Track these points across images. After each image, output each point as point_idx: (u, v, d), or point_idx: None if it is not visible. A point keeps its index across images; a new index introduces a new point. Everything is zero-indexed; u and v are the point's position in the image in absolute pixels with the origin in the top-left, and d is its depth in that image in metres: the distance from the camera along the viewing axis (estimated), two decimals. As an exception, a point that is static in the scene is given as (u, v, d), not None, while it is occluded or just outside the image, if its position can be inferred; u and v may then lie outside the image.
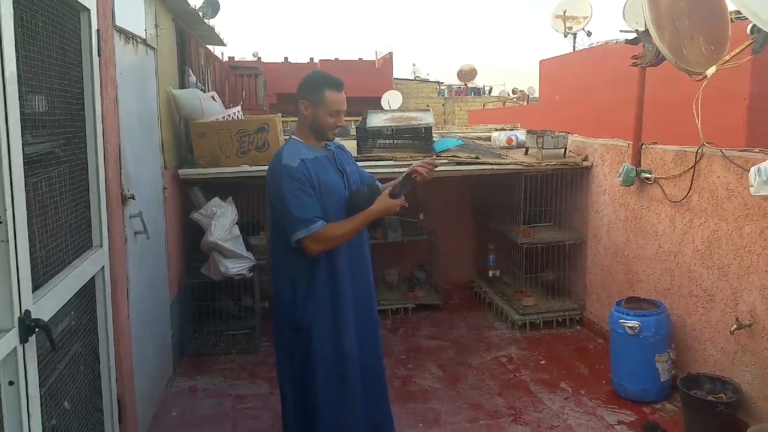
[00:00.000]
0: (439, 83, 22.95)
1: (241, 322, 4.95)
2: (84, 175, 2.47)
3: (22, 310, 1.73)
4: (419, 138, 5.27)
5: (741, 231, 3.45)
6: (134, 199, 3.10)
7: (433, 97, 22.01)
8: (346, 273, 2.82)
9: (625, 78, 4.96)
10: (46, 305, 1.93)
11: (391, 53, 20.52)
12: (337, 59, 20.24)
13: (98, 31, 2.56)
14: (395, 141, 5.31)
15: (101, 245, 2.58)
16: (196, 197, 4.60)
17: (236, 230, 4.55)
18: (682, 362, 3.92)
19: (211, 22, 5.87)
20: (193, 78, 5.11)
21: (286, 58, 19.81)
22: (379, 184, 3.03)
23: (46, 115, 2.12)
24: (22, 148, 1.77)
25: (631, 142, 4.36)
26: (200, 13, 5.37)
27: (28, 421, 1.74)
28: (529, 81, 20.00)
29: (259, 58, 19.42)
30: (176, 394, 4.04)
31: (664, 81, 4.45)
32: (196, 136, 4.46)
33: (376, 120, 5.31)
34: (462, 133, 6.93)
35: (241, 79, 9.55)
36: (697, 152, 3.76)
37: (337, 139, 5.87)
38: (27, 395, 1.74)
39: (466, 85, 22.74)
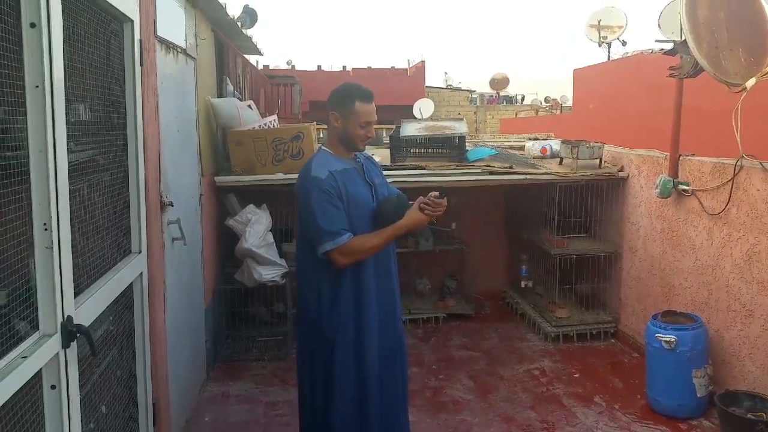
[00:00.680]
0: (470, 92, 22.89)
1: (272, 329, 4.99)
2: (124, 182, 2.51)
3: (65, 316, 1.77)
4: (452, 147, 5.26)
5: (782, 245, 3.39)
6: (173, 206, 3.16)
7: (464, 106, 21.96)
8: (372, 285, 2.81)
9: (660, 88, 4.91)
10: (87, 311, 1.97)
11: (423, 62, 20.54)
12: (369, 67, 20.34)
13: (141, 41, 2.61)
14: (428, 150, 5.31)
15: (140, 251, 2.63)
16: (231, 204, 4.66)
17: (270, 237, 4.59)
18: (720, 378, 3.85)
19: (249, 32, 5.94)
20: (230, 87, 5.18)
21: (319, 66, 19.95)
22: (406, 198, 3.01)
23: (88, 123, 2.17)
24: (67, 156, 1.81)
25: (669, 154, 4.30)
26: (239, 24, 5.44)
27: (69, 424, 1.78)
28: (561, 90, 19.85)
29: (293, 66, 19.57)
30: (209, 399, 4.09)
31: (702, 91, 4.39)
32: (233, 144, 4.53)
33: (409, 129, 5.32)
34: (495, 142, 6.92)
35: (277, 88, 9.65)
36: (735, 164, 3.70)
37: (370, 148, 5.92)
38: (68, 399, 1.78)
39: (498, 93, 22.64)
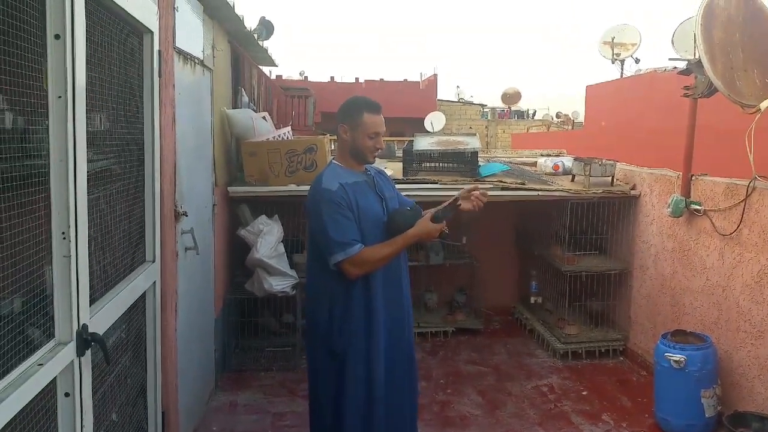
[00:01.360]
0: (482, 106, 22.93)
1: (281, 339, 5.00)
2: (140, 191, 2.54)
3: (80, 324, 1.79)
4: (465, 162, 5.27)
5: (795, 268, 3.37)
6: (187, 215, 3.18)
7: (476, 119, 21.99)
8: (381, 299, 2.81)
9: (673, 106, 4.89)
10: (102, 319, 1.99)
11: (435, 75, 20.61)
12: (382, 80, 20.41)
13: (160, 52, 2.65)
14: (441, 164, 5.33)
15: (154, 260, 2.65)
16: (243, 214, 4.69)
17: (281, 248, 4.61)
18: (729, 399, 3.82)
19: (264, 43, 5.99)
20: (245, 98, 5.23)
21: (332, 78, 20.05)
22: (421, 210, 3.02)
23: (106, 132, 2.20)
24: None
25: (681, 173, 4.30)
26: (255, 35, 5.49)
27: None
28: (572, 105, 19.86)
29: (306, 78, 19.68)
30: (217, 408, 4.09)
31: (715, 111, 4.38)
32: (247, 154, 4.56)
33: (422, 143, 5.34)
34: (507, 157, 6.93)
35: (291, 100, 9.71)
36: (748, 185, 3.69)
37: (382, 161, 5.95)
38: (81, 407, 1.79)
39: (509, 108, 22.67)
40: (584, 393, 4.43)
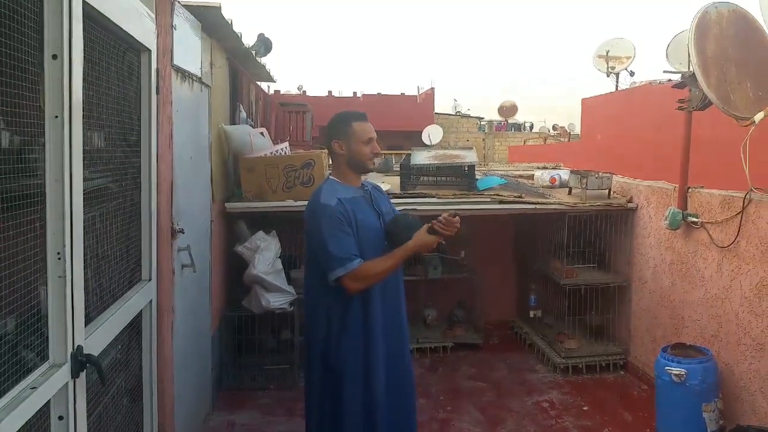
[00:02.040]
0: (479, 118, 23.02)
1: (279, 357, 4.96)
2: (136, 209, 2.53)
3: (75, 346, 1.77)
4: (463, 176, 5.28)
5: (794, 280, 3.37)
6: (183, 232, 3.17)
7: (473, 132, 22.08)
8: (380, 315, 2.80)
9: (668, 119, 4.92)
10: (97, 340, 1.97)
11: (432, 88, 20.71)
12: (379, 93, 20.50)
13: (157, 70, 2.65)
14: (439, 178, 5.33)
15: (150, 279, 2.64)
16: (241, 230, 4.67)
17: (279, 264, 4.59)
18: (730, 413, 3.80)
19: (263, 59, 6.01)
20: (243, 114, 5.24)
21: (330, 92, 20.13)
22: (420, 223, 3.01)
23: (103, 150, 2.20)
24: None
25: (678, 185, 4.30)
26: (253, 52, 5.50)
27: (75, 455, 1.77)
28: (569, 117, 19.94)
29: (304, 92, 19.76)
30: (214, 429, 4.06)
31: (710, 123, 4.40)
32: (245, 170, 4.56)
33: (419, 157, 5.35)
34: (504, 171, 6.93)
35: (289, 115, 9.73)
36: (744, 197, 3.70)
37: (380, 175, 5.95)
38: (75, 430, 1.77)
39: (506, 120, 22.75)
40: (585, 408, 4.40)
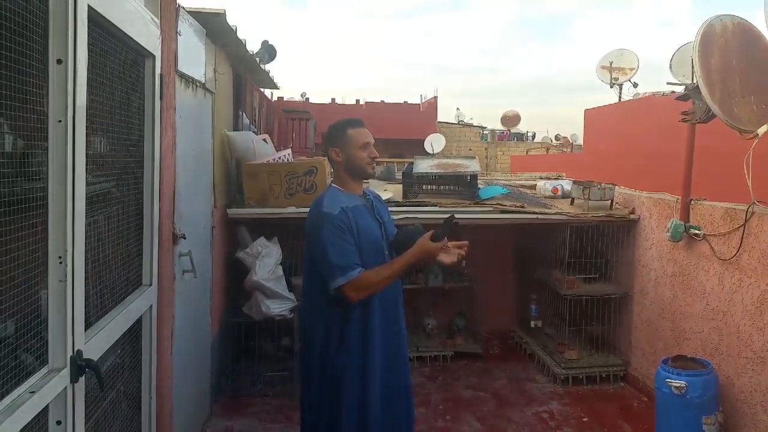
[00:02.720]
0: (482, 128, 23.04)
1: (278, 363, 4.94)
2: (138, 214, 2.53)
3: (74, 350, 1.77)
4: (465, 185, 5.28)
5: (796, 294, 3.35)
6: (185, 238, 3.17)
7: (476, 142, 22.09)
8: (377, 323, 2.79)
9: (671, 130, 4.92)
10: (97, 344, 1.97)
11: (435, 97, 20.73)
12: (382, 101, 20.52)
13: (161, 75, 2.66)
14: (441, 187, 5.33)
15: (151, 284, 2.63)
16: (242, 236, 4.67)
17: (279, 270, 4.59)
18: (731, 426, 3.78)
19: (266, 66, 6.03)
20: (246, 121, 5.25)
21: (333, 99, 20.16)
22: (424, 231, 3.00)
23: (106, 155, 2.20)
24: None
25: (680, 197, 4.30)
26: (257, 59, 5.52)
27: (73, 461, 1.77)
28: (571, 127, 19.96)
29: (307, 99, 19.78)
30: (213, 434, 4.05)
31: (713, 135, 4.40)
32: (247, 176, 4.56)
33: (422, 166, 5.35)
34: (506, 180, 6.94)
35: (292, 122, 9.75)
36: (747, 210, 3.69)
37: (382, 183, 5.95)
38: (73, 434, 1.77)
39: (509, 130, 22.77)
40: (585, 419, 4.39)
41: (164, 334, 2.86)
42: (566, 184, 5.68)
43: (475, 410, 4.51)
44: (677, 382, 3.69)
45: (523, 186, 6.30)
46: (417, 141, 17.52)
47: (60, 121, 1.66)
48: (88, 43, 1.81)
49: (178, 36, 3.02)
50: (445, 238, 2.78)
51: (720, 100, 3.58)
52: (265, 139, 4.97)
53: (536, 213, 4.95)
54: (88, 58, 1.83)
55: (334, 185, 2.90)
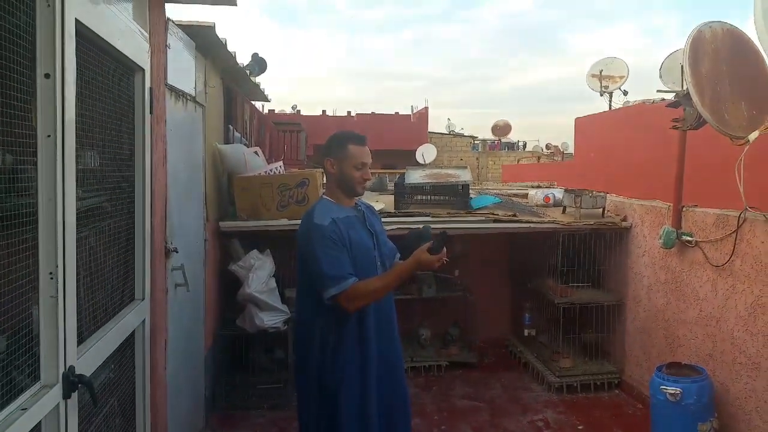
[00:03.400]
0: (473, 138, 23.13)
1: (272, 375, 4.92)
2: (130, 229, 2.52)
3: (67, 366, 1.75)
4: (457, 195, 5.29)
5: (788, 299, 3.36)
6: (177, 252, 3.15)
7: (467, 151, 22.17)
8: (373, 334, 2.78)
9: (662, 138, 4.93)
10: (89, 360, 1.95)
11: (426, 108, 20.81)
12: (373, 113, 20.58)
13: (151, 89, 2.65)
14: (433, 197, 5.34)
15: (143, 298, 2.62)
16: (235, 249, 4.65)
17: (273, 283, 4.57)
18: (727, 432, 3.78)
19: (257, 79, 6.03)
20: (238, 134, 5.24)
21: (324, 111, 20.19)
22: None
23: (96, 170, 2.18)
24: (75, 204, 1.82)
25: (672, 204, 4.31)
26: (247, 71, 5.52)
27: (66, 477, 1.74)
28: (562, 136, 20.05)
29: (299, 111, 19.82)
30: (207, 448, 4.01)
31: (704, 142, 4.42)
32: (239, 189, 4.55)
33: (414, 176, 5.36)
34: (498, 190, 6.95)
35: (283, 135, 9.76)
36: (739, 216, 3.71)
37: (374, 194, 5.95)
38: (67, 452, 1.75)
39: (500, 139, 22.86)
40: (580, 427, 4.37)
41: (158, 348, 2.84)
42: (558, 193, 5.70)
43: (470, 420, 4.50)
44: (672, 389, 3.69)
45: (514, 195, 6.32)
46: (408, 152, 17.57)
47: (49, 135, 1.64)
48: (76, 57, 1.80)
49: (168, 49, 3.01)
50: (444, 249, 2.75)
51: (710, 107, 3.60)
52: (256, 152, 4.96)
53: (528, 222, 4.95)
54: (77, 72, 1.82)
55: (325, 197, 2.89)
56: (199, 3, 3.10)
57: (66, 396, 1.74)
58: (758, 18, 3.49)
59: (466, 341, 5.82)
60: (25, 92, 1.58)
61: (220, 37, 3.93)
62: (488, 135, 22.95)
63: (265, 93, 6.76)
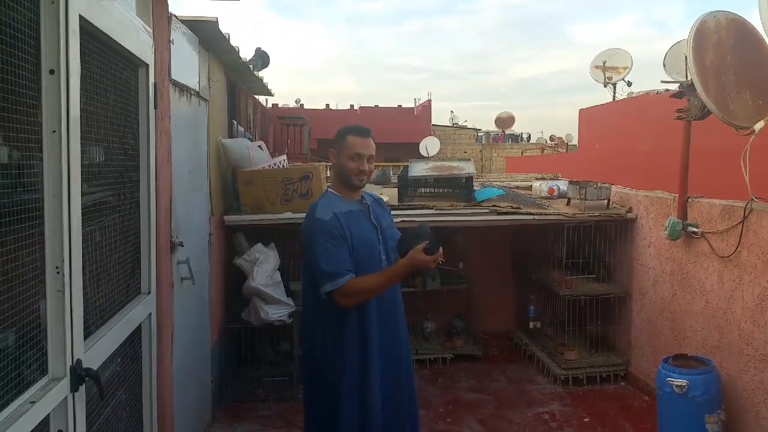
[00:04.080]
0: (476, 130, 23.09)
1: (278, 368, 4.94)
2: (135, 223, 2.53)
3: (74, 359, 1.76)
4: (460, 187, 5.28)
5: (794, 289, 3.35)
6: (182, 246, 3.16)
7: (470, 144, 22.14)
8: (375, 325, 2.78)
9: (667, 128, 4.93)
10: (96, 353, 1.96)
11: (429, 101, 20.78)
12: (377, 106, 20.56)
13: (155, 84, 2.65)
14: (436, 190, 5.33)
15: (149, 292, 2.63)
16: (239, 243, 4.67)
17: (277, 276, 4.58)
18: (734, 424, 3.77)
19: (260, 73, 6.03)
20: (241, 129, 5.25)
21: (327, 105, 20.18)
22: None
23: (102, 165, 2.19)
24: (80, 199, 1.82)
25: (677, 195, 4.30)
26: (251, 66, 5.52)
27: (74, 469, 1.76)
28: (566, 128, 19.99)
29: (302, 105, 19.82)
30: (214, 441, 4.03)
31: (709, 132, 4.41)
32: (243, 183, 4.56)
33: (417, 169, 5.35)
34: (502, 182, 6.94)
35: (287, 128, 9.77)
36: (745, 207, 3.69)
37: (378, 187, 5.95)
38: (75, 444, 1.76)
39: (503, 132, 22.82)
40: (586, 420, 4.38)
41: (164, 341, 2.86)
42: (562, 185, 5.69)
43: (475, 412, 4.50)
44: (678, 381, 3.68)
45: (518, 187, 6.31)
46: (412, 144, 17.55)
47: (54, 131, 1.65)
48: (81, 53, 1.81)
49: (171, 44, 3.01)
50: (440, 249, 2.70)
51: (715, 97, 3.58)
52: (260, 146, 4.97)
53: (532, 214, 4.95)
54: (81, 68, 1.82)
55: (330, 190, 2.89)
56: (202, -3, 3.10)
57: (74, 389, 1.75)
58: (763, 7, 3.46)
59: (470, 334, 5.83)
60: (30, 88, 1.59)
61: (223, 32, 3.93)
62: (492, 127, 22.91)
63: (269, 87, 6.76)
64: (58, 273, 1.68)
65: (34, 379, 1.61)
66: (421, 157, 14.47)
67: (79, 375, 1.77)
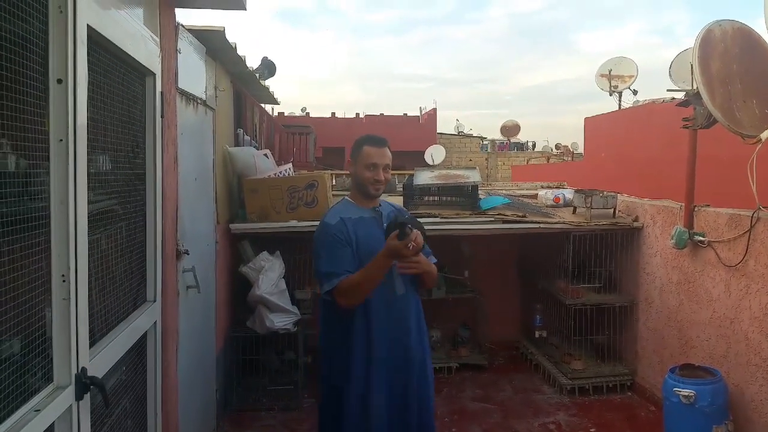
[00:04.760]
0: (482, 138, 23.09)
1: (283, 377, 4.93)
2: (141, 231, 2.53)
3: (79, 368, 1.76)
4: (466, 195, 5.28)
5: (802, 299, 3.33)
6: (188, 254, 3.17)
7: (476, 152, 22.14)
8: (381, 330, 2.78)
9: (673, 137, 4.92)
10: (102, 362, 1.96)
11: (435, 109, 20.80)
12: (382, 114, 20.61)
13: (162, 93, 2.66)
14: (442, 198, 5.33)
15: (155, 300, 2.63)
16: (245, 251, 4.67)
17: (283, 284, 4.58)
18: (742, 435, 3.75)
19: (267, 82, 6.05)
20: (247, 137, 5.26)
21: (333, 113, 20.23)
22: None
23: (108, 173, 2.20)
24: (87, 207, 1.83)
25: (683, 204, 4.28)
26: (257, 75, 5.54)
27: (79, 478, 1.75)
28: (572, 136, 19.97)
29: (308, 113, 19.88)
30: (219, 449, 4.02)
31: (715, 141, 4.40)
32: (249, 191, 4.57)
33: (422, 177, 5.35)
34: (507, 190, 6.92)
35: (293, 137, 9.80)
36: (752, 216, 3.67)
37: (384, 196, 5.94)
38: (80, 453, 1.76)
39: (509, 140, 22.81)
40: (592, 430, 4.35)
41: (169, 350, 2.86)
42: (568, 193, 5.67)
43: (481, 422, 4.48)
44: (685, 391, 3.66)
45: (524, 196, 6.29)
46: (417, 153, 17.57)
47: (61, 140, 1.66)
48: (88, 62, 1.82)
49: (178, 54, 3.03)
50: (412, 235, 2.59)
51: (721, 105, 3.58)
52: (266, 154, 4.98)
53: (538, 222, 4.94)
54: (89, 77, 1.83)
55: (347, 198, 2.96)
56: (209, 7, 3.12)
57: (78, 397, 1.75)
58: (769, 16, 3.46)
59: (476, 343, 5.80)
60: (38, 97, 1.60)
61: (229, 41, 3.95)
62: (497, 135, 22.93)
63: (275, 96, 6.78)
64: (63, 281, 1.69)
65: (39, 387, 1.61)
66: (427, 166, 14.47)
67: (84, 383, 1.77)
